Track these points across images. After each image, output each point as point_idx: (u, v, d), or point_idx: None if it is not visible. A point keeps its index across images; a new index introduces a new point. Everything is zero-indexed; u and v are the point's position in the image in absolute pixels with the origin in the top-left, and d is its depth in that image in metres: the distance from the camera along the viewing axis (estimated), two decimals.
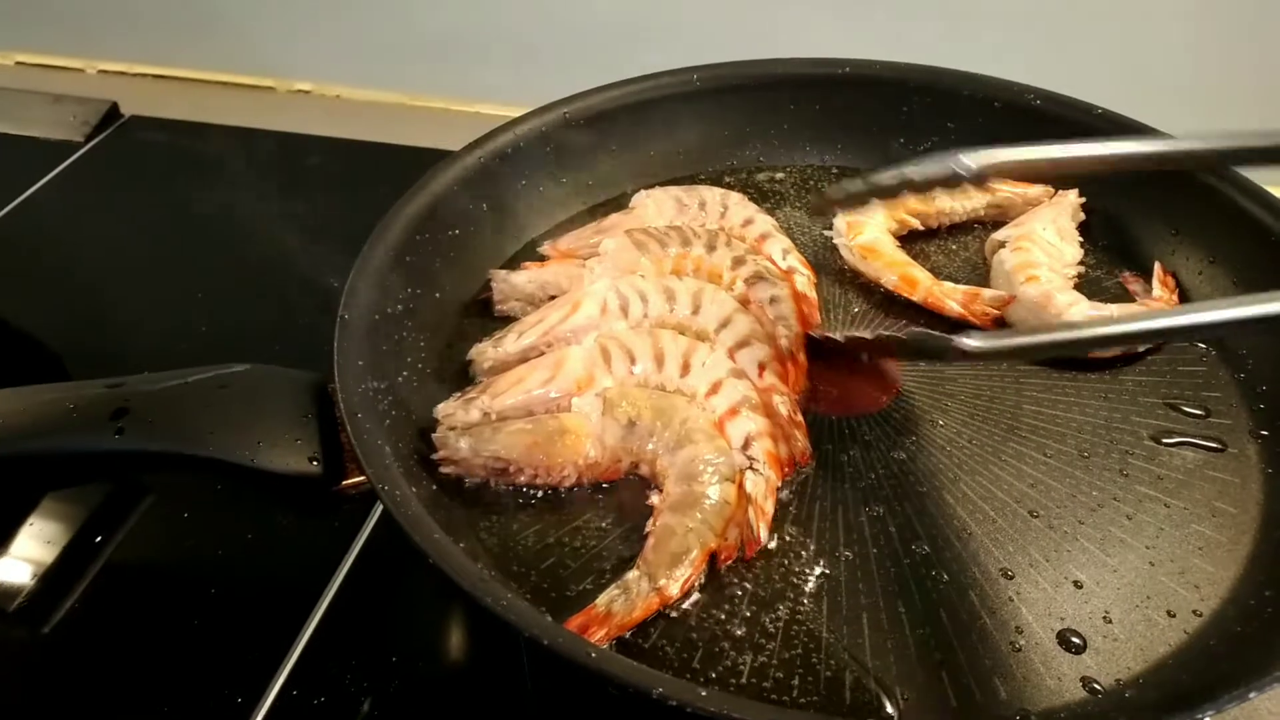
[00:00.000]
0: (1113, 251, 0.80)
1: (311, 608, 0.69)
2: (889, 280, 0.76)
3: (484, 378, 0.69)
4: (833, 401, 0.68)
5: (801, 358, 0.70)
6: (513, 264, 0.80)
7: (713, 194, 0.82)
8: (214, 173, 1.18)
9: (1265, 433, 0.66)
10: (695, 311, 0.71)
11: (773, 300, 0.72)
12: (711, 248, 0.76)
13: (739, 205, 0.82)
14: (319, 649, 0.67)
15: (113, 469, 0.56)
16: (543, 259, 0.80)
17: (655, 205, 0.81)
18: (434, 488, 0.61)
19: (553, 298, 0.74)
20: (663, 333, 0.69)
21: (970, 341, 0.54)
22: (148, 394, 0.56)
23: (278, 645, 0.66)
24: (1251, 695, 0.44)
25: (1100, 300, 0.72)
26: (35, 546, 0.74)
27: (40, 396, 0.55)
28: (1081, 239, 0.79)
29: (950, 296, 0.74)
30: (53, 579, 0.72)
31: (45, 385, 0.56)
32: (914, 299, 0.75)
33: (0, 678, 0.68)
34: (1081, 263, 0.78)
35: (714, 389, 0.65)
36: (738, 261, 0.75)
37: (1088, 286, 0.76)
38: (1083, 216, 0.81)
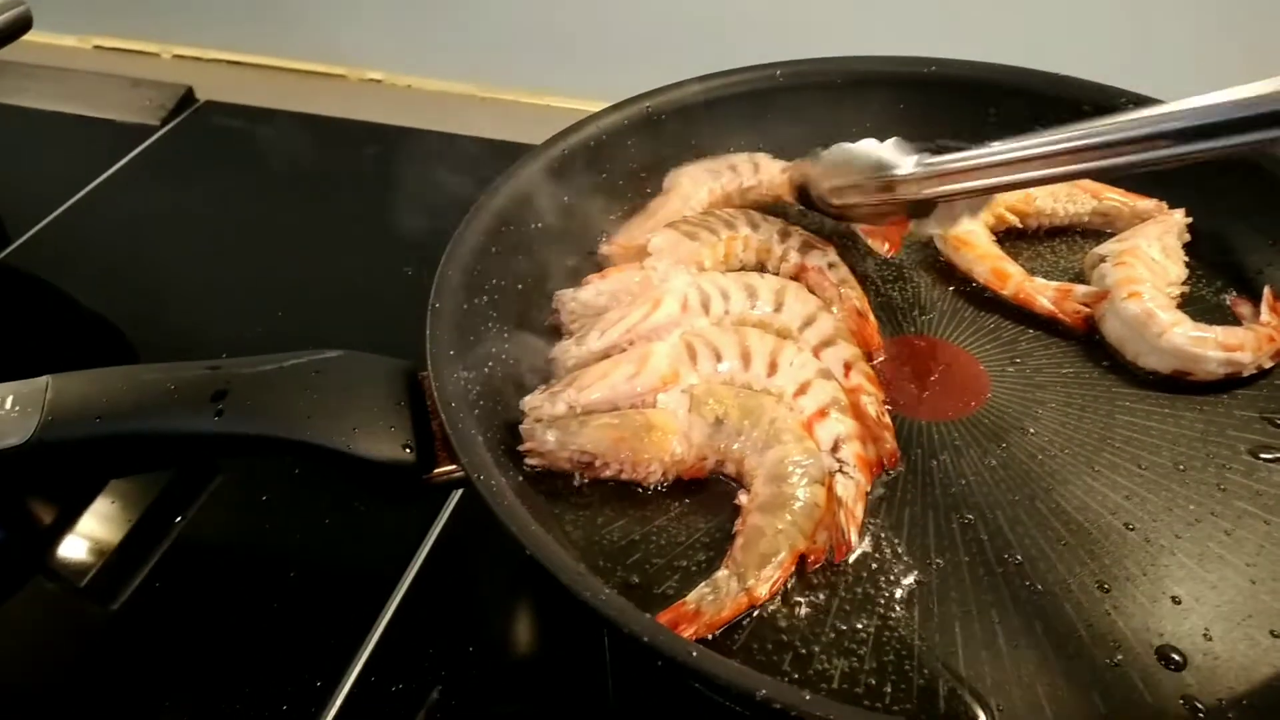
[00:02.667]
0: (1215, 266, 0.78)
1: (389, 594, 0.69)
2: (980, 272, 0.76)
3: (565, 375, 0.69)
4: (922, 406, 0.68)
5: (872, 317, 0.72)
6: (592, 261, 0.80)
7: (741, 158, 0.84)
8: (287, 158, 1.20)
9: None
10: (778, 309, 0.71)
11: (830, 265, 0.75)
12: (755, 225, 0.78)
13: (769, 161, 0.84)
14: (397, 636, 0.67)
15: (212, 450, 0.56)
16: (600, 265, 0.79)
17: (690, 181, 0.82)
18: (520, 479, 0.61)
19: None
20: (749, 331, 0.68)
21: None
22: (246, 376, 0.56)
23: (356, 630, 0.67)
24: None
25: (1205, 321, 0.70)
26: (112, 522, 0.75)
27: (142, 376, 0.55)
28: (1187, 258, 0.77)
29: (1041, 293, 0.73)
30: (129, 556, 0.73)
31: (145, 365, 0.57)
32: (1004, 293, 0.75)
33: (74, 653, 0.68)
34: (1185, 283, 0.75)
35: (802, 389, 0.65)
36: (784, 234, 0.77)
37: (1192, 306, 0.74)
38: (1188, 237, 0.78)
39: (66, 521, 0.76)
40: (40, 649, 0.69)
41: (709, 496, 0.62)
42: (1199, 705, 0.51)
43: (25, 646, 0.69)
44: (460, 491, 0.75)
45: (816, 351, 0.67)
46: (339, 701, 0.63)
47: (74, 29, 1.45)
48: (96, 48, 1.45)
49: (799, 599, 0.56)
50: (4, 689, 0.66)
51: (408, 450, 0.57)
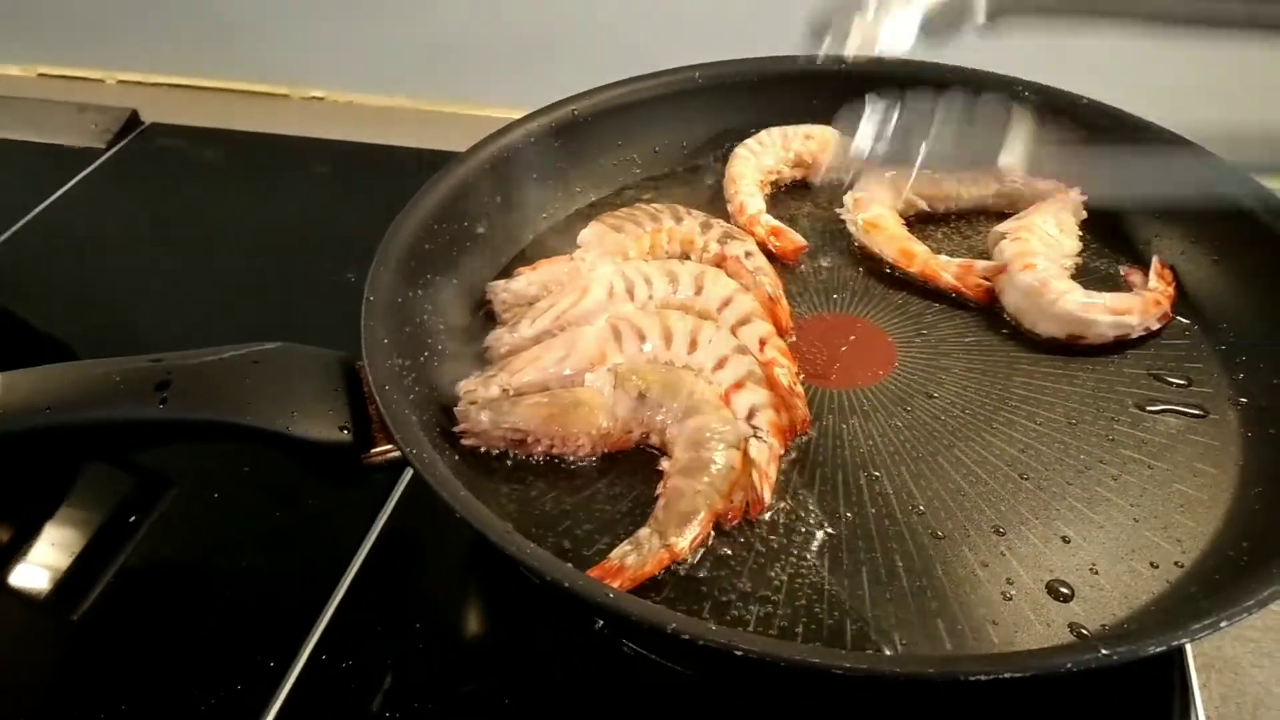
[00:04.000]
0: (1108, 239, 0.83)
1: (338, 580, 0.72)
2: (889, 253, 0.81)
3: (500, 362, 0.72)
4: (834, 376, 0.72)
5: (785, 302, 0.77)
6: (524, 256, 0.84)
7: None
8: (232, 176, 1.23)
9: (1244, 400, 0.69)
10: (698, 292, 0.75)
11: (748, 254, 0.79)
12: (678, 218, 0.82)
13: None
14: (346, 617, 0.70)
15: (157, 438, 0.59)
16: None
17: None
18: (456, 458, 0.65)
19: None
20: (671, 313, 0.72)
21: None
22: (188, 367, 0.59)
23: (307, 614, 0.69)
24: (1222, 624, 0.48)
25: (1096, 290, 0.75)
26: (68, 536, 0.77)
27: (88, 370, 0.58)
28: (1082, 233, 0.82)
29: (945, 269, 0.78)
30: (86, 561, 0.75)
31: (92, 360, 0.60)
32: (911, 271, 0.79)
33: (35, 654, 0.71)
34: (1080, 255, 0.80)
35: (720, 364, 0.69)
36: (705, 226, 0.82)
37: (1088, 276, 0.79)
38: (1084, 214, 0.83)
39: (24, 539, 0.78)
40: (4, 660, 0.71)
41: (635, 467, 0.66)
42: (1085, 630, 0.56)
43: None
44: (403, 485, 0.79)
45: (734, 330, 0.72)
46: (292, 679, 0.66)
47: (17, 58, 1.47)
48: (41, 75, 1.47)
49: (718, 554, 0.60)
50: None
51: (345, 432, 0.60)
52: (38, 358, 0.96)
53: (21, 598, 0.75)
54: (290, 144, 1.26)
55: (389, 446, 0.61)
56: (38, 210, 1.16)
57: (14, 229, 1.13)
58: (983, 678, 0.46)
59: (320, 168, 1.22)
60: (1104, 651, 0.46)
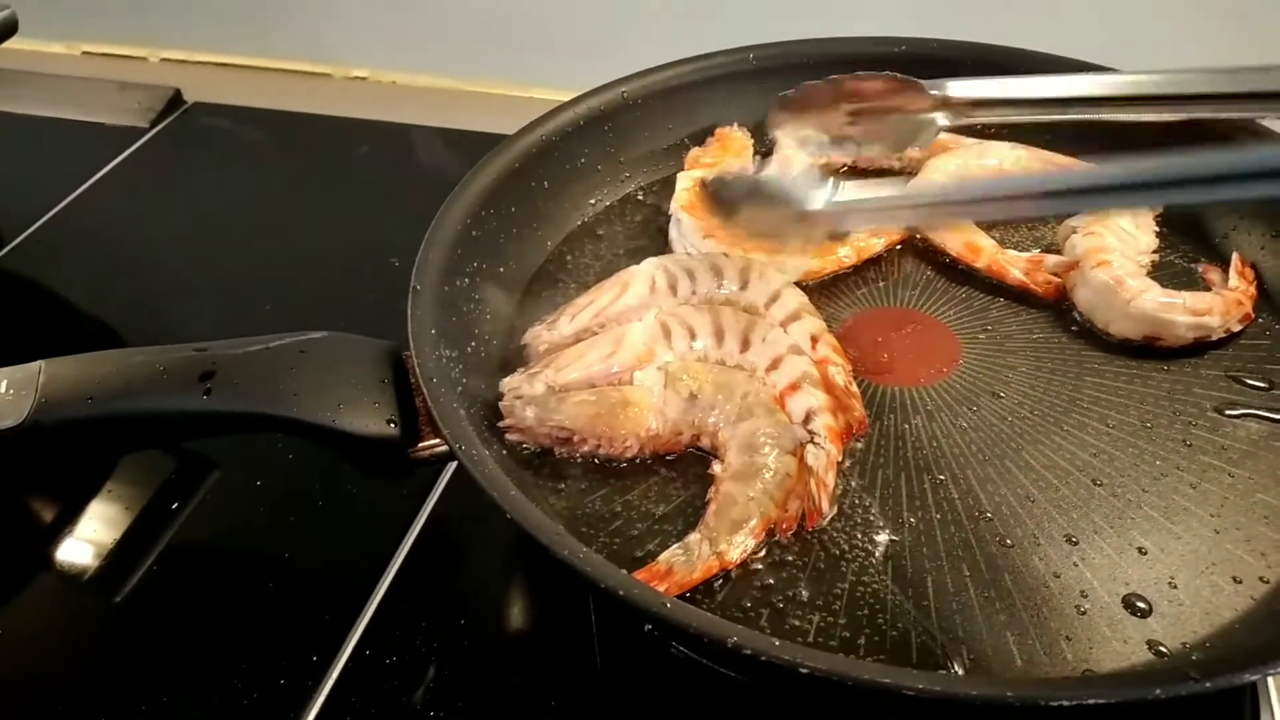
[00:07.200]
0: (1184, 233, 0.79)
1: (382, 572, 0.71)
2: (954, 247, 0.77)
3: (539, 359, 0.70)
4: (895, 373, 0.69)
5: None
6: (572, 241, 0.82)
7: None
8: (274, 157, 1.22)
9: None
10: (744, 287, 0.72)
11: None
12: None
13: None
14: (390, 611, 0.68)
15: (201, 429, 0.58)
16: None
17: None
18: (503, 453, 0.63)
19: None
20: (723, 309, 0.70)
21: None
22: (233, 357, 0.58)
23: (351, 607, 0.68)
24: None
25: (1177, 287, 0.71)
26: (112, 517, 0.77)
27: (131, 359, 0.57)
28: (1159, 229, 0.78)
29: (1013, 265, 0.75)
30: (130, 548, 0.74)
31: (134, 349, 0.59)
32: (977, 266, 0.76)
33: (79, 640, 0.70)
34: (1156, 251, 0.77)
35: (774, 364, 0.66)
36: None
37: (1163, 272, 0.75)
38: (1160, 208, 0.80)
39: (67, 520, 0.78)
40: (47, 642, 0.70)
41: (687, 468, 0.64)
42: (1164, 649, 0.53)
43: (31, 642, 0.71)
44: (448, 475, 0.77)
45: (784, 326, 0.69)
46: (335, 674, 0.65)
47: (61, 35, 1.46)
48: (85, 53, 1.46)
49: (775, 560, 0.58)
50: (13, 685, 0.67)
51: (392, 425, 0.58)
52: (78, 339, 0.97)
53: (64, 577, 0.75)
54: (333, 124, 1.25)
55: (436, 441, 0.60)
56: (80, 190, 1.16)
57: (56, 209, 1.13)
58: (1065, 703, 0.43)
59: (362, 148, 1.21)
60: (1194, 677, 0.44)
